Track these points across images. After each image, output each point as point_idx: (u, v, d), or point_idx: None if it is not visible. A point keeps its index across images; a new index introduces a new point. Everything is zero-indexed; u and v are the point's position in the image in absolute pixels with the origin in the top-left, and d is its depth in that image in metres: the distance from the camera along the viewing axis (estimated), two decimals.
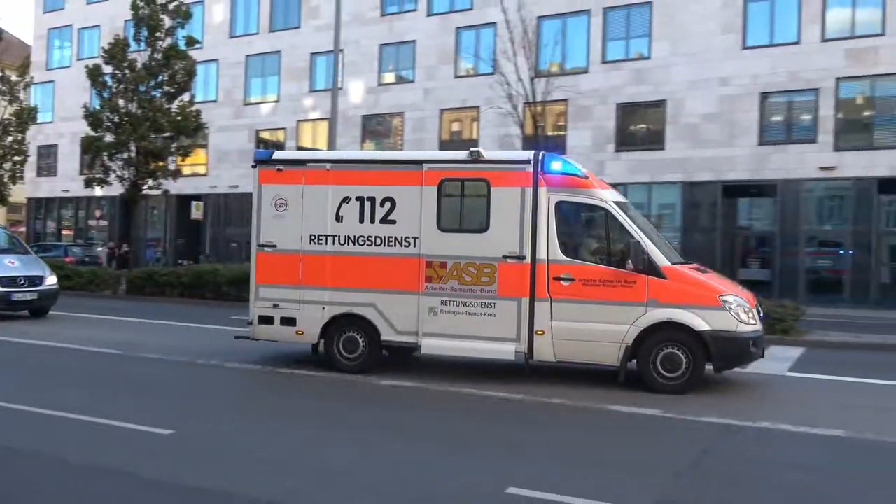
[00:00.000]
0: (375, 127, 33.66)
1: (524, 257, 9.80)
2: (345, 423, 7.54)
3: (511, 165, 9.99)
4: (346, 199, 10.43)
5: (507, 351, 9.79)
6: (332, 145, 21.54)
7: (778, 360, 12.10)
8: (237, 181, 36.26)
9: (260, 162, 10.86)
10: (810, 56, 26.29)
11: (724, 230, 27.68)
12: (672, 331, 9.43)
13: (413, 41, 32.85)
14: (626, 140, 28.90)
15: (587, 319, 9.58)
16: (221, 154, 37.34)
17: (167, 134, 25.80)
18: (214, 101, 37.32)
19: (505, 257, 9.84)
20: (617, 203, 9.88)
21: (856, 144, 25.93)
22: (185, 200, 35.77)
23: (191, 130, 26.08)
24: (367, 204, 10.35)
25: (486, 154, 10.06)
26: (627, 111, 29.13)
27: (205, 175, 37.44)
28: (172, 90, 25.75)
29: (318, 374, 10.20)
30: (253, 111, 36.68)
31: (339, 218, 10.45)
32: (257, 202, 10.77)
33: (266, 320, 10.68)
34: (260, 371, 10.44)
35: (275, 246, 10.68)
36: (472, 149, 10.21)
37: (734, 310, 9.36)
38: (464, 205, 10.21)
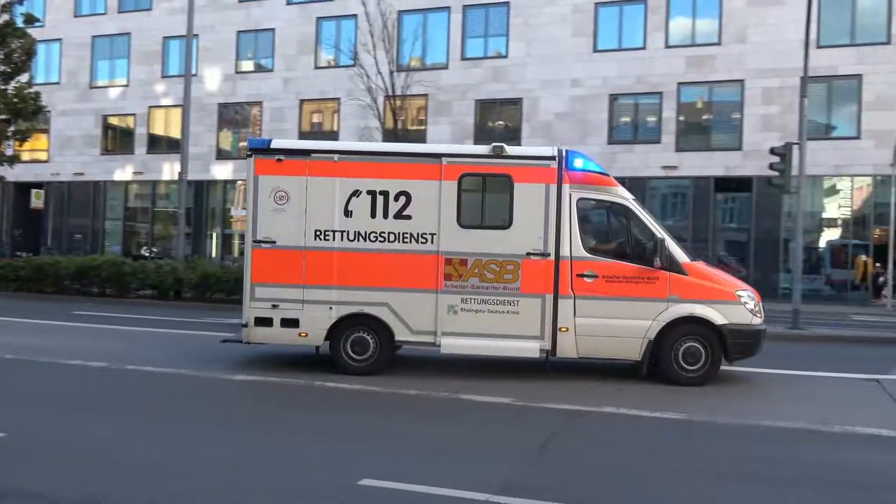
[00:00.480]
0: (233, 116, 33.04)
1: (548, 254, 9.79)
2: (166, 420, 7.29)
3: (535, 161, 9.91)
4: (355, 193, 9.94)
5: (530, 349, 9.76)
6: (185, 133, 20.74)
7: None
8: (82, 168, 34.88)
9: (256, 151, 10.06)
10: (655, 61, 27.65)
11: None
12: (692, 325, 9.68)
13: (272, 29, 32.31)
14: (484, 136, 29.42)
15: (610, 315, 9.68)
16: (65, 140, 35.77)
17: (2, 117, 24.37)
18: (57, 83, 35.73)
19: (529, 254, 9.79)
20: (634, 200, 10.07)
21: (695, 145, 27.57)
22: (24, 188, 34.13)
23: (29, 113, 24.61)
24: (380, 198, 9.91)
25: (510, 149, 9.91)
26: (486, 108, 29.60)
27: (46, 161, 35.79)
28: (9, 70, 24.62)
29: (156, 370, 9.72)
30: (100, 95, 35.26)
31: (347, 213, 9.96)
32: (253, 194, 9.98)
33: (263, 322, 9.94)
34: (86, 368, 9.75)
35: (274, 242, 9.97)
36: (494, 144, 10.03)
37: (748, 304, 9.74)
38: (485, 201, 9.98)
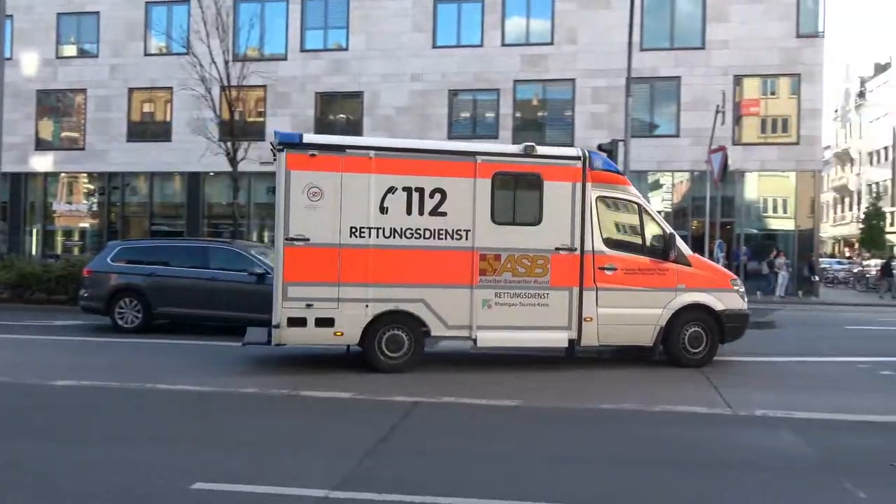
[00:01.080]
0: (54, 104, 31.25)
1: (575, 249, 10.46)
2: None
3: (563, 161, 10.54)
4: (391, 190, 10.04)
5: (560, 339, 10.34)
6: None
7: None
8: None
9: (287, 145, 9.78)
10: (492, 59, 28.10)
11: None
12: (696, 311, 10.84)
13: (97, 13, 30.70)
14: (325, 128, 29.09)
15: (628, 305, 10.55)
16: None
17: None
18: None
19: (557, 249, 10.40)
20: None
21: (530, 141, 28.34)
22: None
23: None
24: (416, 195, 10.09)
25: (539, 149, 10.40)
26: (326, 100, 29.14)
27: None
28: None
29: None
30: None
31: (383, 209, 10.04)
32: (285, 190, 9.74)
33: (297, 322, 9.76)
34: None
35: (307, 239, 9.82)
36: (526, 143, 10.53)
37: (740, 290, 11.08)
38: (517, 198, 10.38)
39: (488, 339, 10.19)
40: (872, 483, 5.66)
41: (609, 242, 10.77)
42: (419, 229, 10.12)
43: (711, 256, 16.56)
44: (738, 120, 28.35)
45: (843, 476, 5.82)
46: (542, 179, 10.48)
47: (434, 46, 28.53)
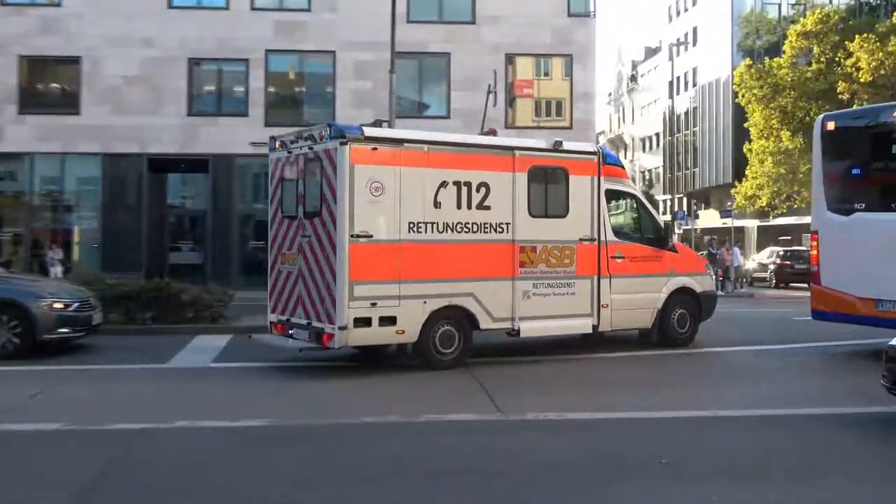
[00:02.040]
0: None
1: (594, 239, 12.51)
2: None
3: (584, 156, 12.66)
4: (443, 184, 11.18)
5: (585, 325, 12.35)
6: None
7: (203, 352, 12.55)
8: None
9: (350, 139, 10.54)
10: (240, 24, 26.74)
11: (152, 209, 27.11)
12: (681, 294, 13.34)
13: None
14: (33, 101, 26.77)
15: (634, 291, 12.76)
16: None
17: None
18: None
19: (581, 240, 12.38)
20: None
21: (287, 119, 26.80)
22: None
23: None
24: (464, 189, 11.33)
25: (565, 144, 12.40)
26: (35, 66, 26.81)
27: None
28: None
29: None
30: None
31: (437, 204, 11.14)
32: (349, 185, 10.50)
33: (363, 322, 10.53)
34: None
35: (371, 236, 10.68)
36: (555, 139, 12.41)
37: (711, 273, 14.21)
38: (548, 191, 12.15)
39: (528, 328, 11.73)
40: (635, 483, 6.06)
41: (616, 232, 12.85)
42: (468, 223, 11.43)
43: None
44: (511, 101, 29.27)
45: (608, 476, 6.27)
46: (568, 173, 12.36)
47: (170, 7, 26.89)
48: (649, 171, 72.37)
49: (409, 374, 10.85)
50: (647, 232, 13.40)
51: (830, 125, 13.10)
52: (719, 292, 27.25)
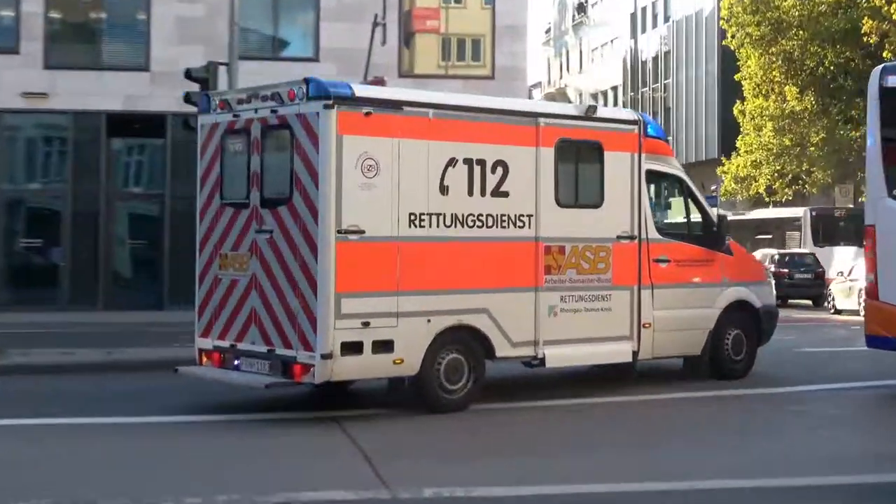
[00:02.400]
0: None
1: (635, 237, 12.90)
2: None
3: (622, 126, 13.09)
4: (451, 162, 11.55)
5: (624, 352, 12.88)
6: None
7: None
8: None
9: (337, 100, 10.81)
10: None
11: None
12: (737, 310, 14.03)
13: None
14: None
15: (682, 306, 13.31)
16: None
17: None
18: None
19: (619, 237, 12.78)
20: None
21: (77, 61, 27.38)
22: None
23: None
24: (477, 169, 11.71)
25: (600, 110, 12.75)
26: None
27: None
28: None
29: None
30: None
31: (443, 189, 11.50)
32: (335, 162, 10.75)
33: (352, 349, 10.76)
34: None
35: (363, 232, 10.91)
36: (589, 104, 13.24)
37: (772, 283, 14.11)
38: (579, 173, 12.60)
39: (555, 357, 12.23)
40: None
41: (659, 228, 13.38)
42: (481, 215, 11.78)
43: None
44: (408, 39, 29.35)
45: None
46: (602, 149, 12.72)
47: None
48: None
49: (259, 427, 11.14)
50: (697, 227, 14.08)
51: (893, 81, 13.51)
52: None
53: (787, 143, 40.57)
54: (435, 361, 11.40)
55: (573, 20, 79.64)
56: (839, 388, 14.28)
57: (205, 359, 12.09)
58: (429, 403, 11.48)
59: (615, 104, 69.36)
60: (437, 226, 11.42)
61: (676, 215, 14.24)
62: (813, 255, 37.40)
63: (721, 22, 43.00)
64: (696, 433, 11.12)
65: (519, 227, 11.96)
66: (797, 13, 39.19)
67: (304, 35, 28.58)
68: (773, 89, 40.30)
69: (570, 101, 76.48)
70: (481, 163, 11.70)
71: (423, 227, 11.35)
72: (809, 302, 35.98)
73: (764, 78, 40.21)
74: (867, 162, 13.63)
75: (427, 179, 11.38)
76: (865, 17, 35.18)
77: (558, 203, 12.27)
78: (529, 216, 12.01)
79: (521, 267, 12.01)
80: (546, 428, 11.50)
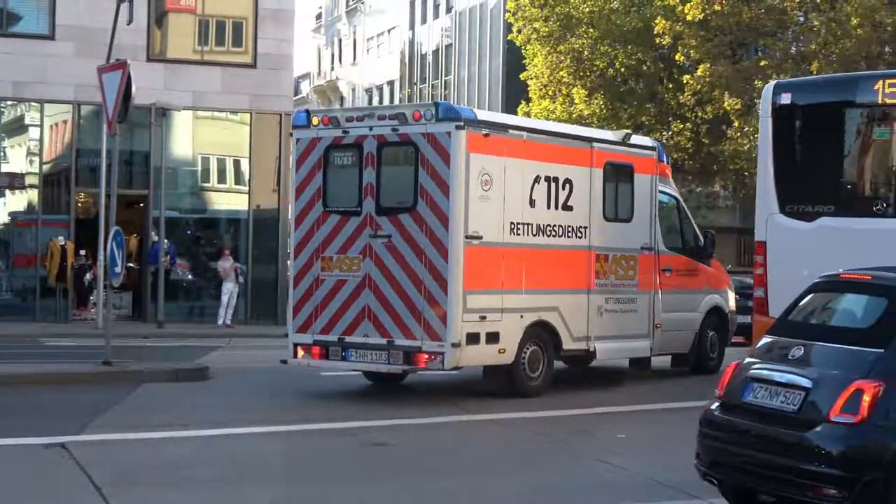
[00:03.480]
0: None
1: (652, 248, 16.84)
2: None
3: (646, 151, 17.14)
4: (537, 179, 15.17)
5: (644, 348, 16.75)
6: None
7: None
8: None
9: (465, 122, 14.27)
10: None
11: None
12: (713, 314, 17.91)
13: None
14: None
15: (679, 309, 17.00)
16: None
17: None
18: None
19: (642, 248, 16.68)
20: None
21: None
22: None
23: None
24: (552, 186, 15.32)
25: (633, 137, 16.98)
26: None
27: None
28: None
29: None
30: None
31: (532, 202, 15.06)
32: (463, 176, 14.17)
33: (474, 339, 14.17)
34: None
35: (481, 237, 14.39)
36: (625, 131, 17.39)
37: (733, 289, 18.59)
38: (618, 191, 16.36)
39: (603, 350, 15.80)
40: None
41: (665, 241, 17.24)
42: (555, 226, 15.37)
43: (113, 260, 16.92)
44: (159, 19, 29.26)
45: None
46: (633, 171, 16.57)
47: None
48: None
49: None
50: (690, 241, 18.21)
51: (786, 98, 14.72)
52: None
53: None
54: (522, 352, 14.66)
55: (347, 6, 79.86)
56: (661, 409, 15.28)
57: (301, 352, 15.19)
58: (519, 389, 14.73)
59: (391, 100, 69.98)
60: (528, 234, 14.98)
61: (675, 230, 18.06)
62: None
63: (507, 16, 43.86)
64: (479, 459, 11.59)
65: (578, 237, 15.67)
66: (587, 10, 40.34)
67: (38, 9, 27.80)
68: (560, 90, 41.30)
69: (341, 95, 76.95)
70: (556, 180, 15.31)
71: (519, 234, 14.90)
72: None
73: (551, 78, 41.10)
74: (759, 178, 15.22)
75: (522, 193, 14.93)
76: (658, 17, 36.37)
77: (604, 217, 16.03)
78: (585, 228, 15.73)
79: (580, 271, 15.64)
80: (282, 452, 11.95)
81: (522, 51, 43.18)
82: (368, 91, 75.46)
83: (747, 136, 34.95)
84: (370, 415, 13.72)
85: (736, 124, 35.78)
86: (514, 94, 48.88)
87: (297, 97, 70.08)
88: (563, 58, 40.62)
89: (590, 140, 16.30)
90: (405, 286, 14.29)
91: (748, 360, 8.67)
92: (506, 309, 14.60)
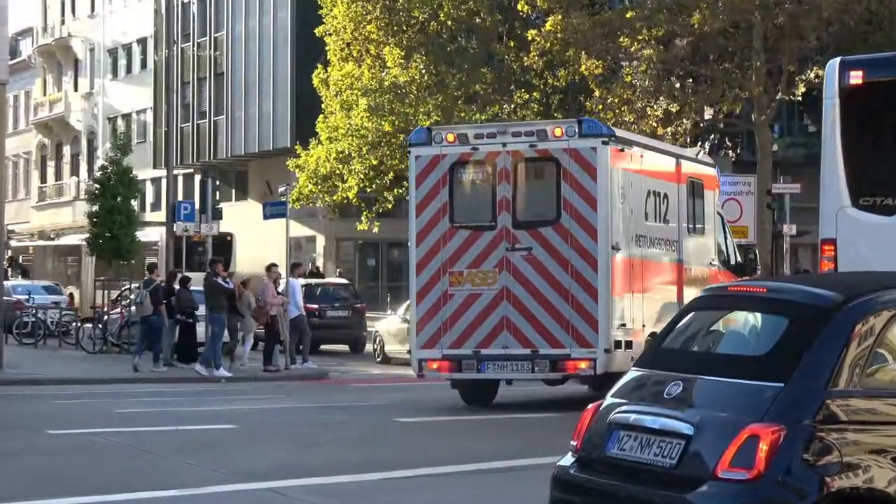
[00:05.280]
0: None
1: (715, 263, 22.38)
2: None
3: (711, 169, 23.77)
4: (649, 193, 20.43)
5: None
6: None
7: None
8: None
9: (609, 138, 19.31)
10: None
11: None
12: None
13: None
14: None
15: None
16: None
17: None
18: None
19: (710, 264, 22.18)
20: None
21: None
22: None
23: None
24: (658, 200, 20.58)
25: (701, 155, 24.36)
26: None
27: None
28: None
29: None
30: None
31: (646, 215, 20.23)
32: (607, 189, 18.97)
33: (619, 345, 19.01)
34: None
35: (619, 249, 19.27)
36: (697, 148, 26.26)
37: None
38: (695, 207, 21.99)
39: None
40: None
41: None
42: (660, 239, 20.12)
43: None
44: None
45: None
46: (704, 187, 21.67)
47: None
48: (127, 116, 73.04)
49: None
50: (733, 258, 23.17)
51: (856, 77, 15.85)
52: (268, 368, 29.29)
53: (388, 127, 41.23)
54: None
55: None
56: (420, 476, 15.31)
57: (427, 367, 19.58)
58: None
59: (143, 66, 69.29)
60: (645, 246, 19.46)
61: (721, 248, 23.13)
62: (351, 285, 41.21)
63: None
64: None
65: (673, 250, 20.25)
66: None
67: None
68: (367, 50, 41.36)
69: (75, 57, 75.85)
70: (658, 194, 19.82)
71: (640, 246, 19.51)
72: (346, 347, 39.25)
73: (356, 34, 41.10)
74: (824, 168, 16.05)
75: (641, 207, 19.40)
76: None
77: (688, 231, 20.66)
78: (677, 242, 20.31)
79: (676, 284, 20.33)
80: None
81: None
82: (113, 52, 74.78)
83: (611, 109, 35.46)
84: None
85: (597, 94, 36.32)
86: (307, 56, 48.79)
87: (14, 61, 68.67)
88: (370, 8, 40.59)
89: (677, 157, 21.63)
90: (549, 296, 18.71)
91: (611, 400, 8.55)
92: (635, 318, 19.40)
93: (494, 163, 19.32)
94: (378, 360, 35.10)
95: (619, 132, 21.39)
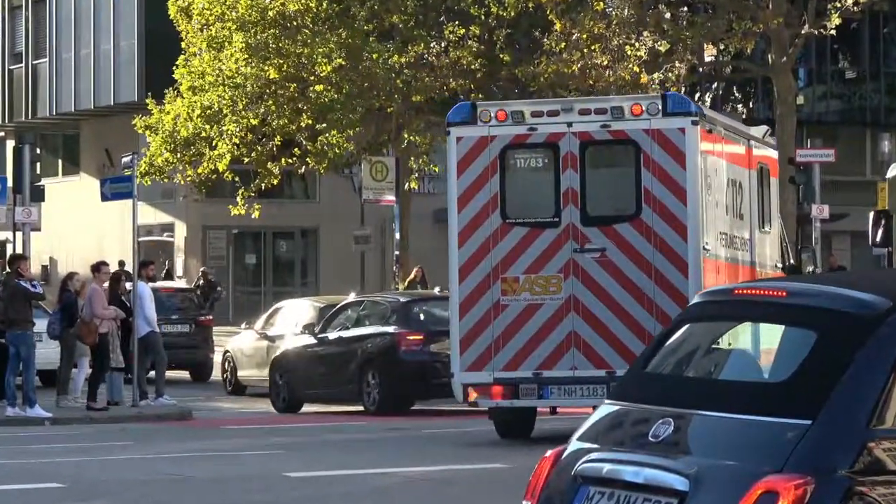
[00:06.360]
0: None
1: (779, 267, 23.92)
2: None
3: (774, 151, 26.06)
4: (730, 183, 22.13)
5: None
6: None
7: None
8: None
9: (699, 116, 19.78)
10: None
11: None
12: None
13: None
14: None
15: None
16: None
17: None
18: None
19: (776, 266, 24.10)
20: None
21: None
22: None
23: None
24: (735, 191, 22.23)
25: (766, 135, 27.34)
26: None
27: None
28: None
29: None
30: None
31: (727, 209, 21.68)
32: (701, 177, 19.71)
33: None
34: None
35: (708, 250, 20.10)
36: (765, 126, 25.82)
37: None
38: (763, 197, 23.92)
39: None
40: None
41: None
42: (736, 238, 21.24)
43: None
44: None
45: None
46: (770, 174, 23.00)
47: None
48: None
49: None
50: (786, 257, 23.58)
51: None
52: (91, 405, 29.05)
53: (273, 74, 41.43)
54: None
55: None
56: None
57: (474, 394, 20.39)
58: None
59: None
60: (728, 246, 19.88)
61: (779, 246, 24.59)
62: (193, 290, 43.25)
63: None
64: None
65: (745, 250, 20.83)
66: None
67: None
68: None
69: None
70: (734, 183, 20.19)
71: (724, 246, 19.67)
72: (187, 374, 40.01)
73: None
74: None
75: (724, 200, 19.48)
76: None
77: (759, 227, 20.89)
78: (749, 240, 20.68)
79: None
80: None
81: None
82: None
83: (577, 49, 35.68)
84: None
85: (558, 27, 36.60)
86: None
87: None
88: None
89: (748, 137, 22.24)
90: (628, 307, 19.45)
91: (577, 444, 8.31)
92: None
93: (557, 146, 19.85)
94: (229, 389, 35.64)
95: (707, 109, 22.59)
